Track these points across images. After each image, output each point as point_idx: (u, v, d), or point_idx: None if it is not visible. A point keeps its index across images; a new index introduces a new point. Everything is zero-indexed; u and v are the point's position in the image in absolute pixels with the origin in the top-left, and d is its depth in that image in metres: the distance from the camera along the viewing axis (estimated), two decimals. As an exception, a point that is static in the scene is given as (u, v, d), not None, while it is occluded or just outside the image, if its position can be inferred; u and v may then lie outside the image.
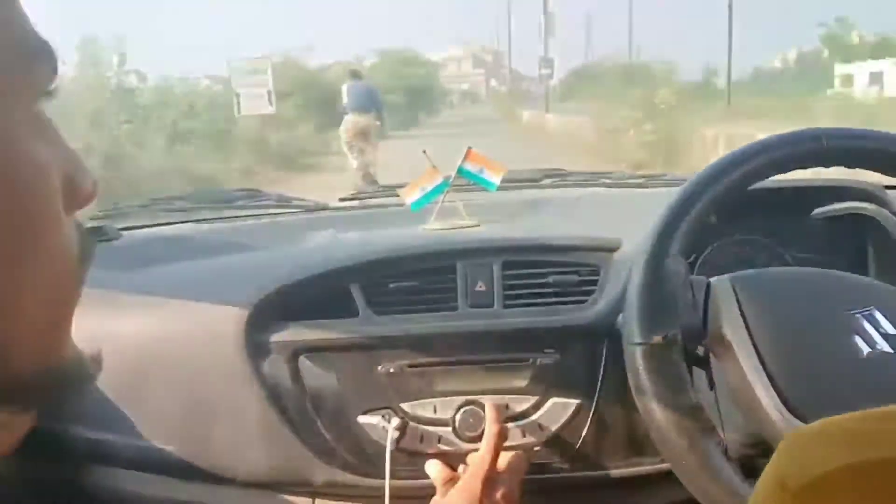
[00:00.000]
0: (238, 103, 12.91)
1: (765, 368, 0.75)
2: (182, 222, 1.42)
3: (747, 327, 0.78)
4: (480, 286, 1.05)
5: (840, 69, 28.84)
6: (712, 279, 0.84)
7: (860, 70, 27.80)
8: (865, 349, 0.74)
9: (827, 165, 0.86)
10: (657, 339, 0.80)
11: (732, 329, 0.79)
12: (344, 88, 9.59)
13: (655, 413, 0.80)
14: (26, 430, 1.02)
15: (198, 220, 1.43)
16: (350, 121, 9.10)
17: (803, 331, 0.77)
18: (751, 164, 0.84)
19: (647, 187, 1.45)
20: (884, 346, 0.73)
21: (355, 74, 10.01)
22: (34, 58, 0.34)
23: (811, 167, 0.85)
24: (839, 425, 0.37)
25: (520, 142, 16.87)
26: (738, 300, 0.80)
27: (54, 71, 0.35)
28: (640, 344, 0.81)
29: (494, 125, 27.10)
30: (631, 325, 0.82)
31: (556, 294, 1.04)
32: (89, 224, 1.33)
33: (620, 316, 0.91)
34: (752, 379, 0.75)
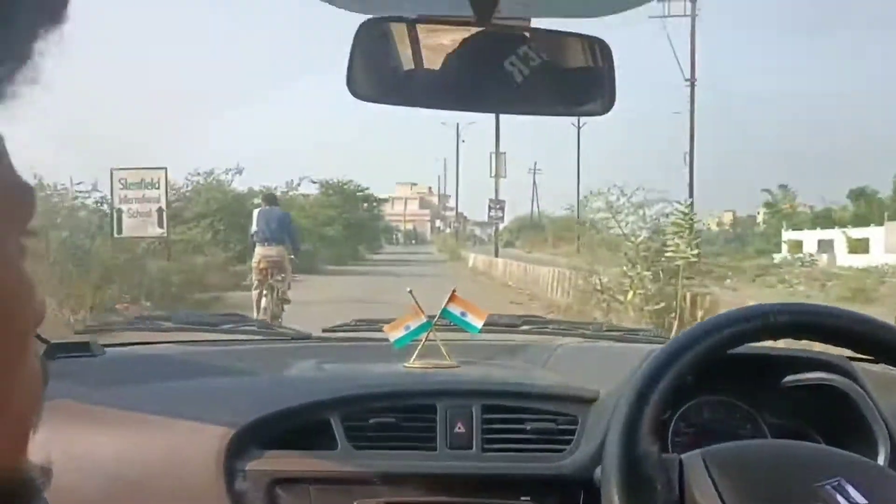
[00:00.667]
0: (116, 221, 11.21)
1: None
2: (166, 342, 1.43)
3: (723, 503, 0.80)
4: (460, 427, 1.07)
5: (788, 235, 30.79)
6: (683, 456, 0.86)
7: (809, 237, 29.76)
8: None
9: (778, 338, 0.93)
10: None
11: None
12: (255, 214, 8.63)
13: None
14: None
15: (181, 342, 1.45)
16: (259, 253, 8.14)
17: None
18: (725, 334, 0.90)
19: (624, 341, 1.50)
20: None
21: (269, 199, 9.12)
22: (15, 197, 0.37)
23: (773, 339, 0.92)
24: None
25: (468, 283, 16.36)
26: (710, 476, 0.83)
27: (33, 209, 0.38)
28: None
29: (439, 265, 27.02)
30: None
31: (533, 440, 1.06)
32: (74, 339, 1.34)
33: (597, 470, 0.94)
34: None
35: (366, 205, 33.55)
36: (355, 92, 0.87)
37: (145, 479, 1.01)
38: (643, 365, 0.93)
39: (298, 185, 25.50)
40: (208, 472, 1.00)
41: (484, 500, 1.02)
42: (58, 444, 1.08)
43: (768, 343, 0.95)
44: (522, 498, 1.02)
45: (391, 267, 22.37)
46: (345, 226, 28.49)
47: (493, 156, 29.25)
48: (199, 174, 19.84)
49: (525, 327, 1.59)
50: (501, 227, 34.11)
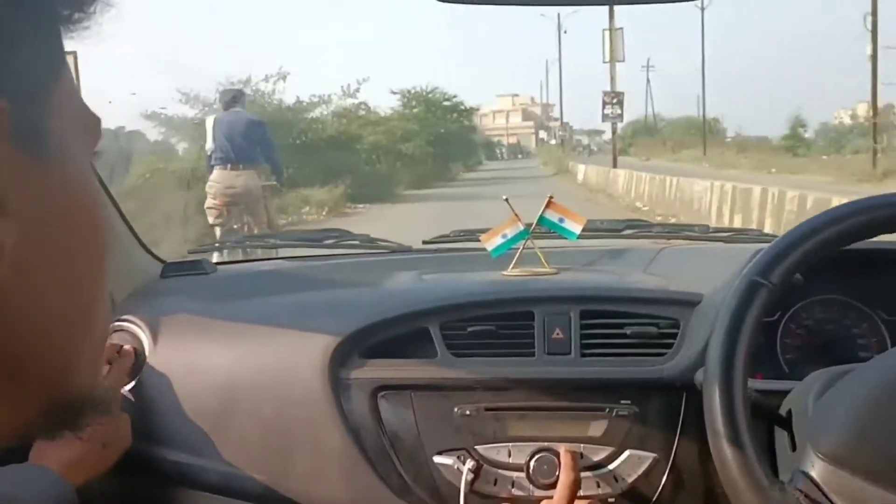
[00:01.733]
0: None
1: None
2: (273, 258, 1.49)
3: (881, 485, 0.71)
4: (558, 334, 1.06)
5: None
6: (806, 470, 0.75)
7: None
8: None
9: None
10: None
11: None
12: (209, 124, 6.08)
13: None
14: (123, 449, 1.08)
15: (288, 258, 1.50)
16: (217, 180, 5.79)
17: None
18: (846, 224, 0.83)
19: (732, 242, 1.44)
20: None
21: (229, 99, 6.24)
22: (87, 125, 0.41)
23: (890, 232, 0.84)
24: None
25: (582, 204, 12.50)
26: (851, 474, 0.72)
27: (99, 136, 0.43)
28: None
29: (543, 182, 23.19)
30: (736, 485, 0.79)
31: (634, 346, 1.04)
32: (188, 258, 1.41)
33: (699, 371, 0.91)
34: None
35: (455, 115, 30.10)
36: None
37: (257, 387, 1.07)
38: (749, 263, 0.88)
39: (357, 90, 19.95)
40: (314, 380, 1.04)
41: (583, 403, 1.01)
42: (176, 355, 1.16)
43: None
44: (622, 401, 1.01)
45: (483, 187, 18.70)
46: (429, 141, 24.80)
47: (608, 34, 21.91)
48: (231, 83, 15.23)
49: (627, 231, 1.54)
50: (620, 127, 27.60)
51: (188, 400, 1.08)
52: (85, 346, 0.39)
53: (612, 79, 21.59)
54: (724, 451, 0.79)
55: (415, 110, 27.34)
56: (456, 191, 20.38)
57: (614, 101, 20.53)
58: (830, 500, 0.72)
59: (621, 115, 20.72)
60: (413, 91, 28.06)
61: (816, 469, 0.74)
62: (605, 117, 21.09)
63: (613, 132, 24.30)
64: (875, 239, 0.89)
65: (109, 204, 1.20)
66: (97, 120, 0.43)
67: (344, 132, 19.69)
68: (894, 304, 1.12)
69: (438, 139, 26.20)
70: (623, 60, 22.77)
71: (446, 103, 29.88)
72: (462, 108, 31.45)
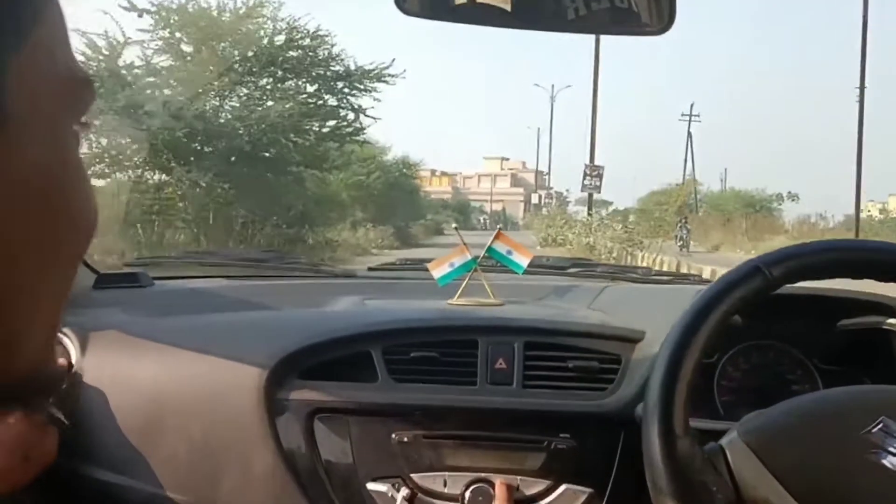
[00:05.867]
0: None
1: None
2: (212, 277, 1.45)
3: (782, 484, 0.76)
4: (501, 364, 1.05)
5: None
6: (723, 442, 0.82)
7: None
8: (890, 463, 0.73)
9: (845, 276, 0.87)
10: None
11: (769, 491, 0.77)
12: None
13: None
14: (46, 463, 1.02)
15: (228, 277, 1.46)
16: None
17: (833, 467, 0.76)
18: (770, 273, 0.85)
19: (673, 283, 1.46)
20: None
21: None
22: (75, 87, 0.38)
23: (827, 278, 0.86)
24: None
25: None
26: (761, 460, 0.78)
27: (91, 100, 0.39)
28: None
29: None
30: None
31: (575, 379, 1.04)
32: (125, 271, 1.36)
33: (639, 407, 0.91)
34: None
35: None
36: (401, 6, 0.83)
37: (188, 405, 1.03)
38: (691, 303, 0.90)
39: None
40: (249, 399, 1.01)
41: (522, 435, 1.00)
42: (106, 369, 1.11)
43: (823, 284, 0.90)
44: (561, 435, 1.00)
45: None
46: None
47: (591, 113, 21.58)
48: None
49: (572, 270, 1.56)
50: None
51: (116, 416, 1.03)
52: (38, 324, 0.37)
53: (592, 150, 21.73)
54: (661, 483, 0.79)
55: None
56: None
57: (594, 173, 20.57)
58: (732, 475, 0.79)
59: (599, 187, 20.77)
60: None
61: (732, 445, 0.80)
62: (584, 187, 20.84)
63: (589, 203, 23.03)
64: (818, 287, 0.91)
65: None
66: (87, 81, 0.39)
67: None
68: (829, 351, 1.15)
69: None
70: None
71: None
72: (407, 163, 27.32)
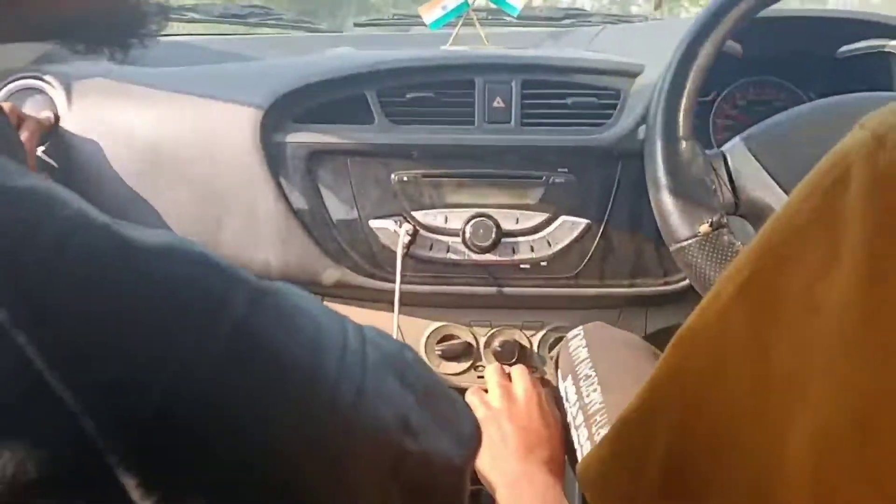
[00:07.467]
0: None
1: None
2: (193, 34, 1.39)
3: (780, 185, 0.78)
4: (499, 102, 1.04)
5: None
6: (725, 148, 0.84)
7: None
8: None
9: None
10: (705, 228, 0.80)
11: (766, 192, 0.79)
12: None
13: None
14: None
15: (209, 34, 1.40)
16: None
17: None
18: None
19: (676, 20, 1.42)
20: None
21: None
22: None
23: None
24: None
25: None
26: (760, 163, 0.80)
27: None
28: (690, 238, 0.81)
29: None
30: (671, 223, 0.83)
31: (574, 115, 1.04)
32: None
33: (641, 129, 0.92)
34: None
35: None
36: None
37: (184, 150, 1.02)
38: (687, 29, 0.87)
39: None
40: (245, 143, 1.00)
41: (521, 171, 1.02)
42: (94, 118, 1.08)
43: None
44: (560, 169, 1.01)
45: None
46: None
47: None
48: None
49: (567, 21, 1.50)
50: None
51: (112, 164, 1.03)
52: None
53: None
54: (661, 179, 0.81)
55: None
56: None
57: None
58: (731, 177, 0.83)
59: None
60: None
61: (733, 149, 0.84)
62: None
63: None
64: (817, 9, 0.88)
65: None
66: None
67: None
68: (826, 82, 1.14)
69: None
70: None
71: None
72: None
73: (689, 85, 0.82)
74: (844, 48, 1.10)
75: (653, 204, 0.86)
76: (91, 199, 0.93)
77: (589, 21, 1.50)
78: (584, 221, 1.02)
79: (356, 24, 1.48)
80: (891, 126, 0.35)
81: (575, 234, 1.02)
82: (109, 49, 0.42)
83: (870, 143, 0.34)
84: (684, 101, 0.82)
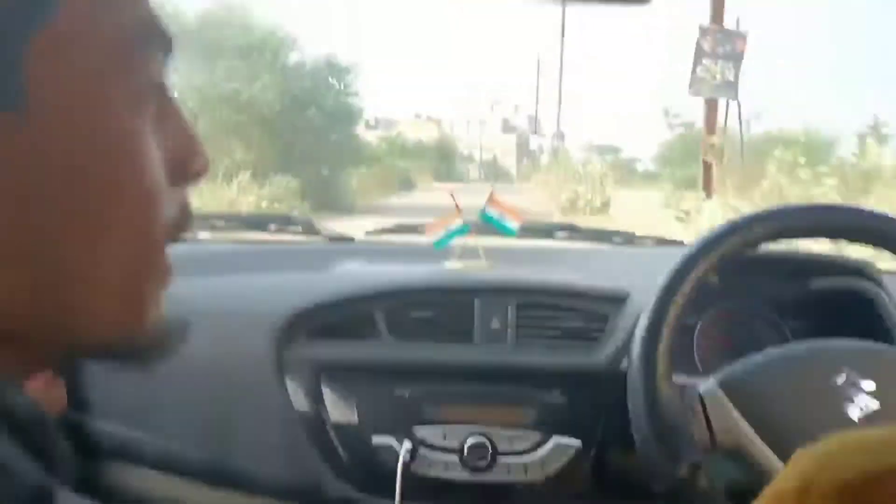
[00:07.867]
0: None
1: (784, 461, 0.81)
2: (216, 242, 1.50)
3: (753, 427, 0.84)
4: (495, 323, 1.12)
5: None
6: (701, 389, 0.89)
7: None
8: (856, 413, 0.81)
9: (823, 237, 0.94)
10: (682, 471, 0.86)
11: (740, 435, 0.85)
12: None
13: None
14: (57, 416, 1.06)
15: (231, 242, 1.51)
16: None
17: (801, 415, 0.83)
18: (748, 233, 0.92)
19: (657, 246, 1.53)
20: (870, 403, 0.80)
21: None
22: (148, 41, 0.35)
23: (805, 238, 0.93)
24: (857, 439, 0.39)
25: None
26: (734, 405, 0.86)
27: (166, 56, 0.37)
28: (668, 480, 0.87)
29: None
30: (650, 466, 0.89)
31: (565, 336, 1.12)
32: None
33: (625, 360, 0.99)
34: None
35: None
36: None
37: (199, 366, 1.08)
38: (673, 262, 0.97)
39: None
40: (259, 358, 1.07)
41: (516, 390, 1.08)
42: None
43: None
44: (553, 390, 1.08)
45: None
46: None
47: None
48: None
49: (560, 234, 1.62)
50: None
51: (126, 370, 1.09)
52: (103, 291, 0.36)
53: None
54: (643, 425, 0.87)
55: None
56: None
57: (725, 46, 4.99)
58: (708, 419, 0.87)
59: (734, 85, 5.04)
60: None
61: (708, 392, 0.88)
62: (696, 83, 5.03)
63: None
64: (793, 248, 0.98)
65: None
66: (166, 36, 0.36)
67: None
68: (802, 312, 1.23)
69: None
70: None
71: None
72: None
73: (664, 329, 0.90)
74: (816, 282, 1.20)
75: (635, 440, 0.91)
76: (100, 404, 0.95)
77: (579, 235, 1.62)
78: (576, 443, 1.07)
79: (367, 233, 1.60)
80: (821, 467, 0.38)
81: (568, 456, 1.06)
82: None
83: (795, 495, 0.37)
84: (662, 343, 0.90)
